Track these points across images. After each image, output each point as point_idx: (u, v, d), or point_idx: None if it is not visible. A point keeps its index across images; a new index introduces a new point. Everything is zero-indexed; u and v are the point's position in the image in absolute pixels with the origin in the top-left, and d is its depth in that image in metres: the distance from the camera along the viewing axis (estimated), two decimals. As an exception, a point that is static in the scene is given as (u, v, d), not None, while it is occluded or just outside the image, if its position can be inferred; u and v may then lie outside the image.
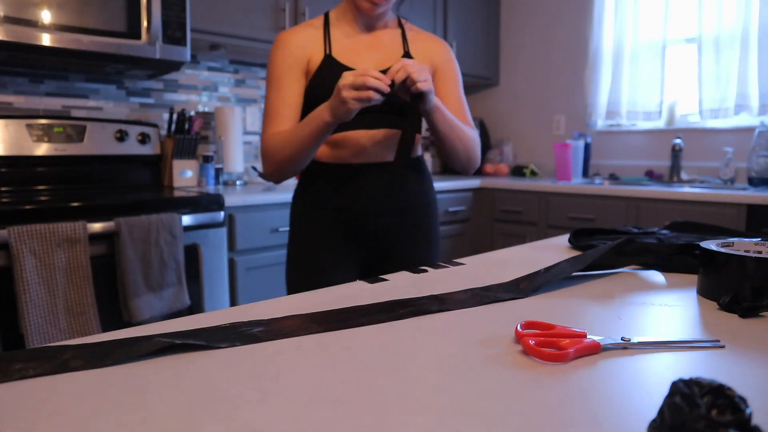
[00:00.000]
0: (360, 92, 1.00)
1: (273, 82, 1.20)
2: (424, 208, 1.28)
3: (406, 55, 1.24)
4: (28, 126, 1.97)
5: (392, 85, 1.02)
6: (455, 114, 1.25)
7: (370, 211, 1.22)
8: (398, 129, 1.21)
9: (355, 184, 1.21)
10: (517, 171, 3.22)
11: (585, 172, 3.04)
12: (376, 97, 1.01)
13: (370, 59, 1.21)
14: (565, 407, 0.37)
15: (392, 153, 1.21)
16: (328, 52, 1.20)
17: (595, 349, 0.46)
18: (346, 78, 1.01)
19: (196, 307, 1.85)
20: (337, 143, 1.20)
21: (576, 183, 2.74)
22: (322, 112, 1.07)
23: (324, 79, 1.17)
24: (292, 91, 1.19)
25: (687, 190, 2.27)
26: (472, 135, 1.26)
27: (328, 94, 1.10)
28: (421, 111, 1.11)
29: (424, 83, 1.03)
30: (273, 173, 1.21)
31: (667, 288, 0.68)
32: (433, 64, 1.27)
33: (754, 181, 2.38)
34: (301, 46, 1.20)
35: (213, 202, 1.89)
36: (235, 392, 0.40)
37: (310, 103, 1.19)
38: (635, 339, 0.48)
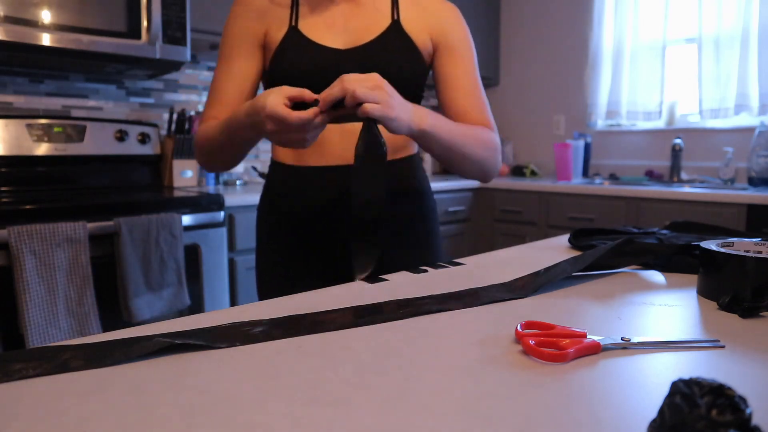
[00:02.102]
0: (292, 142, 0.78)
1: (223, 52, 1.00)
2: (416, 219, 1.03)
3: (395, 23, 0.97)
4: (28, 126, 1.98)
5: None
6: (468, 108, 1.00)
7: (346, 228, 0.97)
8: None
9: (325, 192, 0.97)
10: (517, 171, 3.22)
11: (585, 172, 3.04)
12: (314, 140, 0.78)
13: (346, 30, 0.97)
14: (565, 407, 0.37)
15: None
16: (293, 23, 0.96)
17: (595, 349, 0.46)
18: (269, 124, 0.77)
19: (196, 307, 1.85)
20: None
21: (576, 183, 2.74)
22: (246, 125, 0.83)
23: (286, 58, 0.95)
24: (240, 69, 0.98)
25: (687, 190, 2.27)
26: (487, 142, 0.97)
27: (289, 77, 0.92)
28: (371, 138, 0.80)
29: (376, 107, 0.75)
30: (204, 165, 1.03)
31: (667, 288, 0.68)
32: (434, 34, 1.00)
33: (754, 181, 2.38)
34: (259, 15, 0.98)
35: (213, 202, 1.89)
36: (235, 392, 0.40)
37: (270, 84, 1.00)
38: (635, 339, 0.48)
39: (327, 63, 0.95)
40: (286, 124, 0.75)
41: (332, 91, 0.75)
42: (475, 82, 1.02)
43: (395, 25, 0.97)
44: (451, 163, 0.96)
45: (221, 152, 0.95)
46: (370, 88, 0.76)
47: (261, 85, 1.05)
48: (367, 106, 0.75)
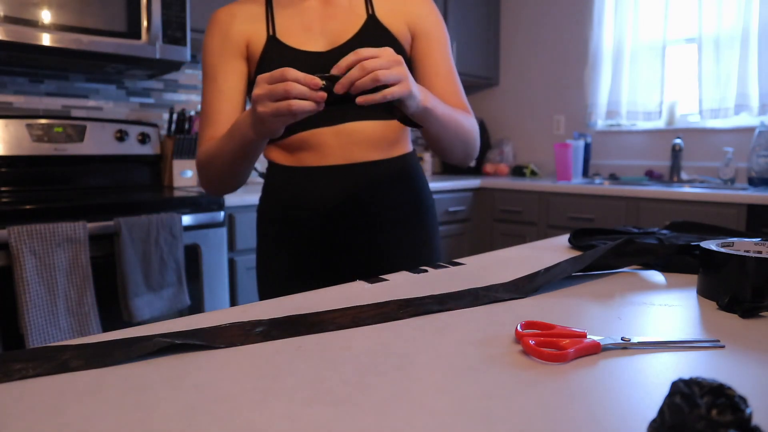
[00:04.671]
0: (279, 105, 0.71)
1: (208, 72, 0.99)
2: (414, 218, 1.03)
3: (371, 17, 0.97)
4: (28, 126, 1.98)
5: (332, 79, 0.71)
6: (447, 94, 1.00)
7: (346, 227, 0.97)
8: (368, 119, 0.97)
9: (323, 193, 0.97)
10: (517, 171, 3.22)
11: (585, 172, 3.04)
12: (305, 107, 0.71)
13: (324, 32, 0.97)
14: (565, 407, 0.37)
15: (366, 150, 0.97)
16: (271, 32, 0.96)
17: (595, 349, 0.46)
18: (260, 86, 0.73)
19: (196, 307, 1.85)
20: (297, 146, 0.98)
21: (576, 183, 2.74)
22: (245, 128, 0.83)
23: (270, 69, 0.89)
24: (229, 84, 0.98)
25: (687, 190, 2.27)
26: (470, 124, 0.99)
27: None
28: (401, 116, 0.78)
29: (399, 88, 0.72)
30: (208, 189, 1.01)
31: (667, 288, 0.68)
32: (410, 24, 1.00)
33: (754, 181, 2.38)
34: (237, 26, 0.97)
35: (213, 202, 1.89)
36: (235, 392, 0.40)
37: None
38: (635, 339, 0.48)
39: (311, 68, 0.92)
40: (284, 76, 0.70)
41: (352, 75, 0.70)
42: (450, 67, 1.02)
43: (372, 20, 0.97)
44: (441, 144, 0.95)
45: (223, 166, 0.93)
46: (389, 66, 0.72)
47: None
48: (392, 90, 0.71)
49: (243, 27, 0.97)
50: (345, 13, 0.98)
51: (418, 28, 1.00)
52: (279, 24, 0.97)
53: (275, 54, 0.96)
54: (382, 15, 0.98)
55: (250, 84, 1.01)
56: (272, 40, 0.96)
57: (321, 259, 0.99)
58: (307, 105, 0.71)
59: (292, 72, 0.71)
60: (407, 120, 0.79)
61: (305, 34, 0.97)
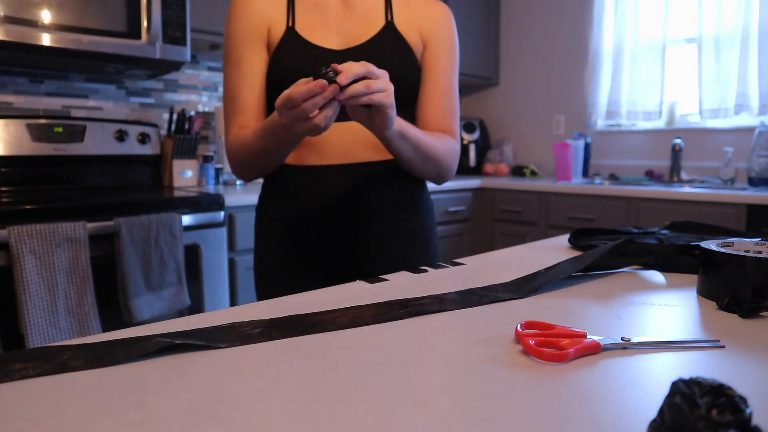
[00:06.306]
0: (306, 124, 0.75)
1: (231, 58, 0.99)
2: (413, 217, 1.04)
3: (389, 24, 0.99)
4: (28, 126, 1.98)
5: (334, 72, 0.74)
6: (439, 112, 1.03)
7: (344, 227, 0.98)
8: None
9: (321, 192, 0.98)
10: (517, 171, 3.22)
11: (585, 172, 3.04)
12: (330, 115, 0.75)
13: (341, 32, 0.99)
14: (565, 407, 0.37)
15: (366, 150, 0.99)
16: (290, 24, 0.98)
17: (595, 349, 0.46)
18: (282, 114, 0.76)
19: (196, 307, 1.85)
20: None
21: (576, 183, 2.74)
22: (286, 129, 0.84)
23: (284, 59, 0.97)
24: (254, 71, 0.98)
25: (687, 190, 2.27)
26: (446, 149, 1.00)
27: (288, 77, 0.89)
28: (377, 134, 0.84)
29: (381, 95, 0.76)
30: (245, 176, 1.02)
31: (667, 288, 0.68)
32: (423, 32, 1.02)
33: (754, 181, 2.38)
34: (259, 13, 0.98)
35: (213, 202, 1.89)
36: (235, 392, 0.40)
37: (269, 85, 1.00)
38: (635, 339, 0.48)
39: (324, 63, 0.94)
40: (292, 100, 0.73)
41: (356, 70, 0.73)
42: (451, 84, 1.04)
43: (389, 26, 0.99)
44: (412, 166, 0.98)
45: (259, 158, 0.95)
46: (377, 76, 0.76)
47: None
48: (376, 97, 0.75)
49: (265, 14, 0.99)
50: (364, 15, 1.00)
51: (431, 39, 1.02)
52: (298, 17, 0.98)
53: (291, 46, 0.97)
54: (400, 23, 1.00)
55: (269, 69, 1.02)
56: (290, 32, 0.97)
57: (318, 258, 1.00)
58: (330, 112, 0.75)
59: (297, 94, 0.73)
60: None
61: (324, 30, 0.99)
